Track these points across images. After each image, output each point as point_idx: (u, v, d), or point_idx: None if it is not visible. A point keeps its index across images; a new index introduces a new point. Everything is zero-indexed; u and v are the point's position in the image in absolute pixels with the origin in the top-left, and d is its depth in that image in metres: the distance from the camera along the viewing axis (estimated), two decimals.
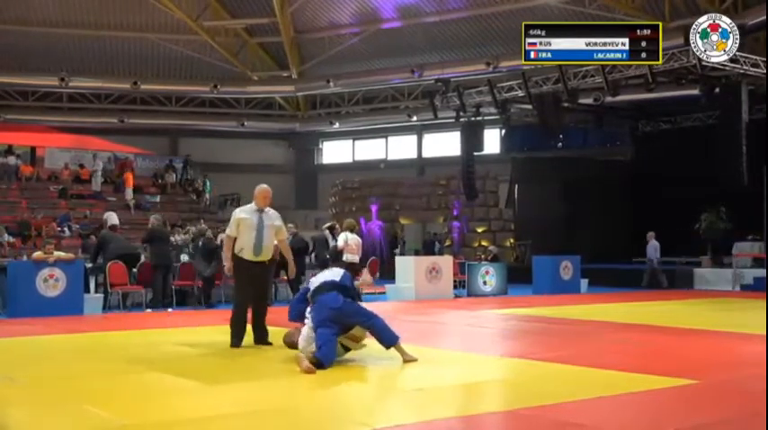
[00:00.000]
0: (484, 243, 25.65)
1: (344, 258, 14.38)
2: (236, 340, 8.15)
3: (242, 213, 8.21)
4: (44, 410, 5.33)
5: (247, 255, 8.07)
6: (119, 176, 28.61)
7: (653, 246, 19.80)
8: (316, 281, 7.28)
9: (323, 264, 14.41)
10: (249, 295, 8.23)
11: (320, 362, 6.49)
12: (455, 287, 16.87)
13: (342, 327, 6.82)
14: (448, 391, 6.07)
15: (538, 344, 8.98)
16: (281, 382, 6.29)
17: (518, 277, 19.28)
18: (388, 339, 6.88)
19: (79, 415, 5.12)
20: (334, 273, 7.29)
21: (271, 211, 8.26)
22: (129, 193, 27.60)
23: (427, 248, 25.70)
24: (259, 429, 4.89)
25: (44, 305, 11.85)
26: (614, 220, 24.24)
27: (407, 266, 16.34)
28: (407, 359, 6.88)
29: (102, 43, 28.39)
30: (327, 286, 7.06)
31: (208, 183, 30.33)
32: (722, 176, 18.41)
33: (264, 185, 8.32)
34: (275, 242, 8.31)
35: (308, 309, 7.09)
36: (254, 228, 8.05)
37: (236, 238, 8.12)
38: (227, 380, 6.41)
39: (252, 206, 8.27)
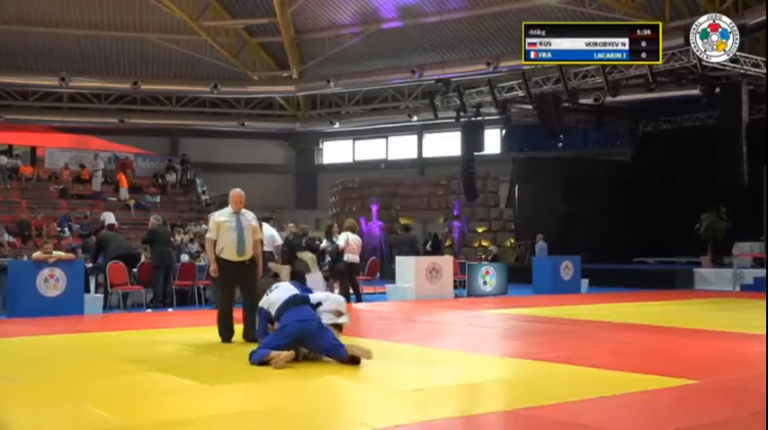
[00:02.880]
0: (484, 243, 25.64)
1: (345, 258, 14.40)
2: (224, 336, 8.50)
3: (220, 217, 8.64)
4: (44, 410, 5.33)
5: (229, 255, 8.46)
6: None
7: (539, 247, 20.40)
8: (273, 301, 7.18)
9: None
10: (228, 293, 8.69)
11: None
12: (455, 287, 16.82)
13: (298, 342, 6.87)
14: (448, 391, 6.07)
15: (538, 344, 8.96)
16: (281, 382, 6.28)
17: (518, 277, 19.26)
18: (341, 355, 6.81)
19: (79, 415, 5.12)
20: (289, 288, 7.29)
21: (247, 213, 8.66)
22: (123, 194, 27.60)
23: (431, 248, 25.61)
24: (259, 429, 4.89)
25: (44, 305, 11.82)
26: (614, 220, 24.25)
27: (407, 266, 16.30)
28: (356, 353, 6.72)
29: (102, 43, 28.39)
30: (297, 301, 7.09)
31: (198, 182, 30.37)
32: (722, 176, 18.40)
33: (237, 190, 8.78)
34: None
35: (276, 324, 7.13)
36: (233, 229, 8.45)
37: (215, 241, 8.52)
38: (227, 381, 6.41)
39: (228, 209, 8.69)
